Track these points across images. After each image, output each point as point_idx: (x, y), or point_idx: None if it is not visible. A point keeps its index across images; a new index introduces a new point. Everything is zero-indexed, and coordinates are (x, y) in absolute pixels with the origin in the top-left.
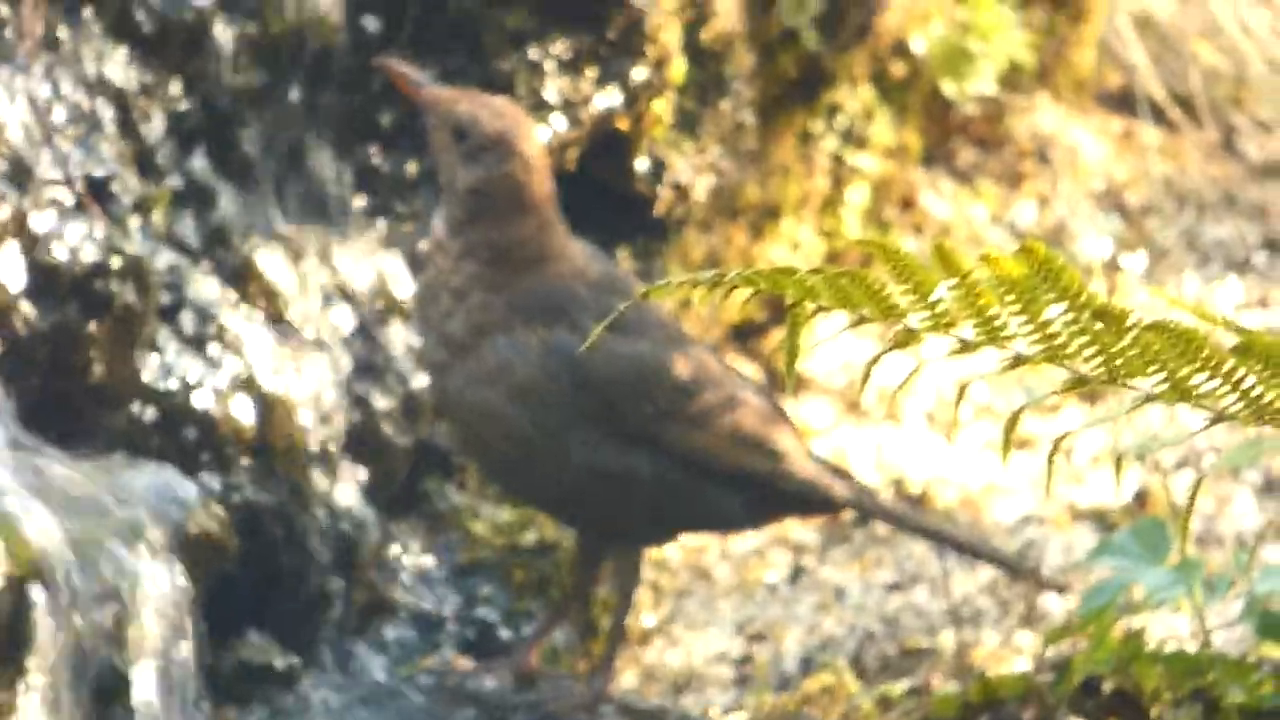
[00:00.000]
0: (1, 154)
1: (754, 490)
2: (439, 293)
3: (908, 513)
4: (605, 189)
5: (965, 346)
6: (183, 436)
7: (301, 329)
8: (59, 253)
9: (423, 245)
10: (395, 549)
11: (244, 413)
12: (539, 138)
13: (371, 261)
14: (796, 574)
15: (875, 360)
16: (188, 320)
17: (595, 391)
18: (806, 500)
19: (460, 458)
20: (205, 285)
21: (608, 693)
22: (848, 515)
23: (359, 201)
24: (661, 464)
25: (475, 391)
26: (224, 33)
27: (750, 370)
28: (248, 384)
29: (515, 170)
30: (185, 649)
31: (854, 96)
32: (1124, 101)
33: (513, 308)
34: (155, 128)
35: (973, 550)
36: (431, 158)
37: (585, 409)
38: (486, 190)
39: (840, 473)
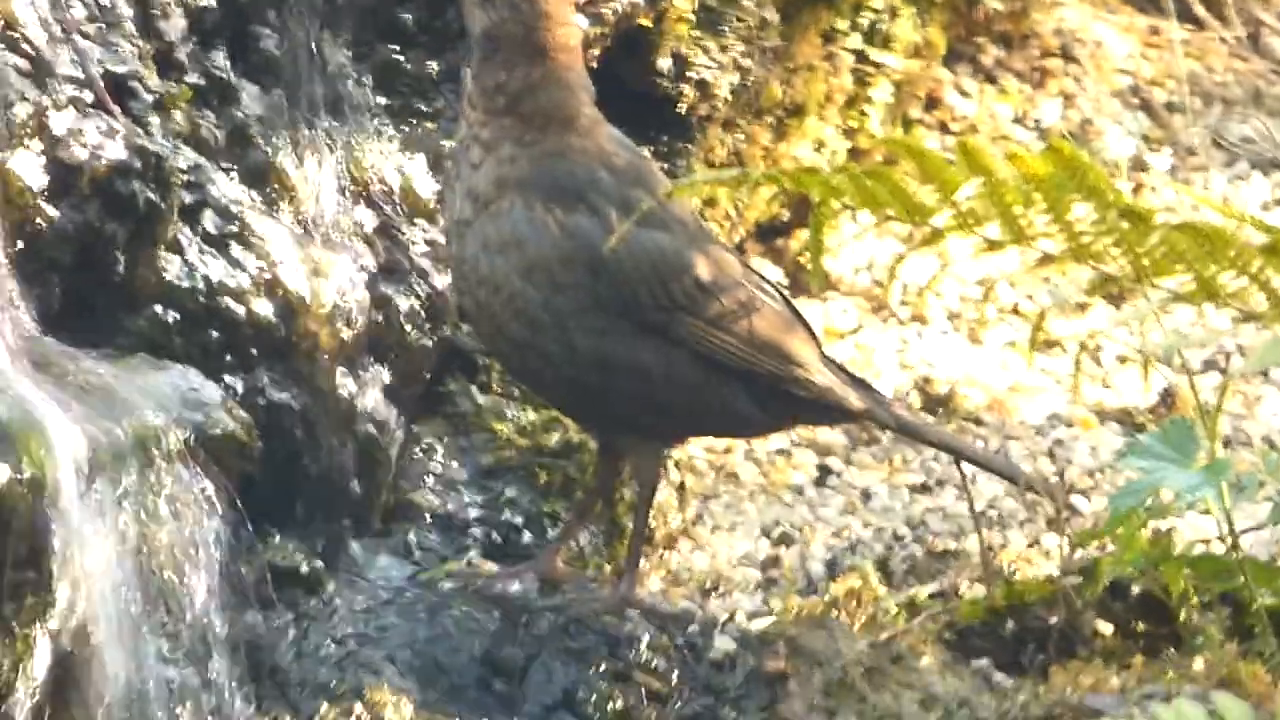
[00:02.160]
0: (21, 52)
1: (768, 394)
2: (470, 145)
3: (922, 424)
4: (628, 87)
5: (991, 245)
6: (205, 338)
7: (324, 229)
8: (79, 152)
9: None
10: (419, 451)
11: (266, 314)
12: None
13: (394, 161)
14: (823, 476)
15: (900, 259)
16: (209, 220)
17: (610, 278)
18: (822, 408)
19: (475, 340)
20: (227, 185)
21: (633, 596)
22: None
23: (380, 100)
24: (672, 358)
25: (488, 260)
26: None
27: (774, 270)
28: (270, 285)
29: (525, 13)
30: (210, 552)
31: None
32: None
33: (537, 173)
34: (175, 24)
35: (986, 464)
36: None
37: (598, 295)
38: (496, 33)
39: (858, 381)
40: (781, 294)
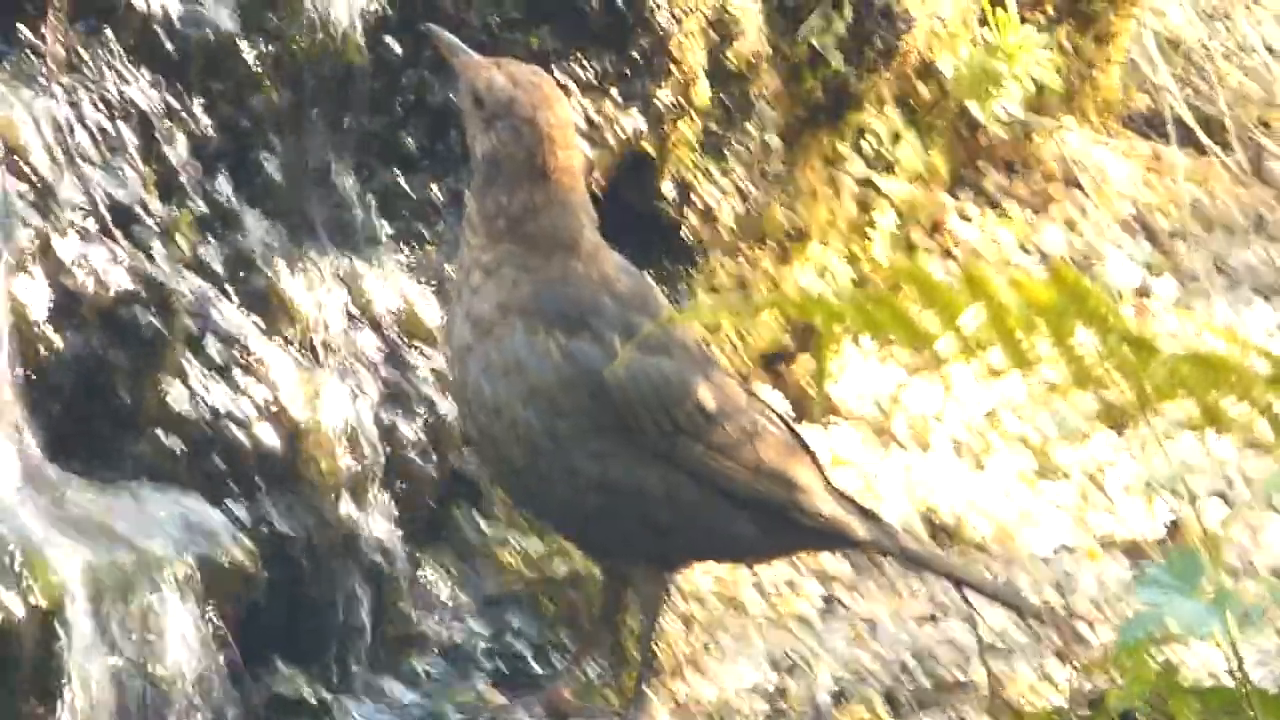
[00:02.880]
0: (24, 178)
1: (771, 520)
2: (471, 269)
3: (929, 554)
4: (632, 212)
5: (994, 372)
6: (209, 465)
7: (328, 356)
8: (83, 278)
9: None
10: (425, 579)
11: (270, 441)
12: (564, 110)
13: (397, 287)
14: (829, 606)
15: (903, 386)
16: (213, 347)
17: (612, 403)
18: (826, 535)
19: (480, 467)
20: (230, 311)
21: None
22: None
23: (384, 226)
24: (675, 482)
25: (490, 385)
26: (246, 54)
27: (777, 396)
28: (274, 412)
29: (526, 136)
30: (216, 681)
31: (881, 119)
32: (1151, 124)
33: (539, 298)
34: (179, 150)
35: (993, 593)
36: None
37: (599, 420)
38: (499, 156)
39: (863, 510)
40: (785, 421)
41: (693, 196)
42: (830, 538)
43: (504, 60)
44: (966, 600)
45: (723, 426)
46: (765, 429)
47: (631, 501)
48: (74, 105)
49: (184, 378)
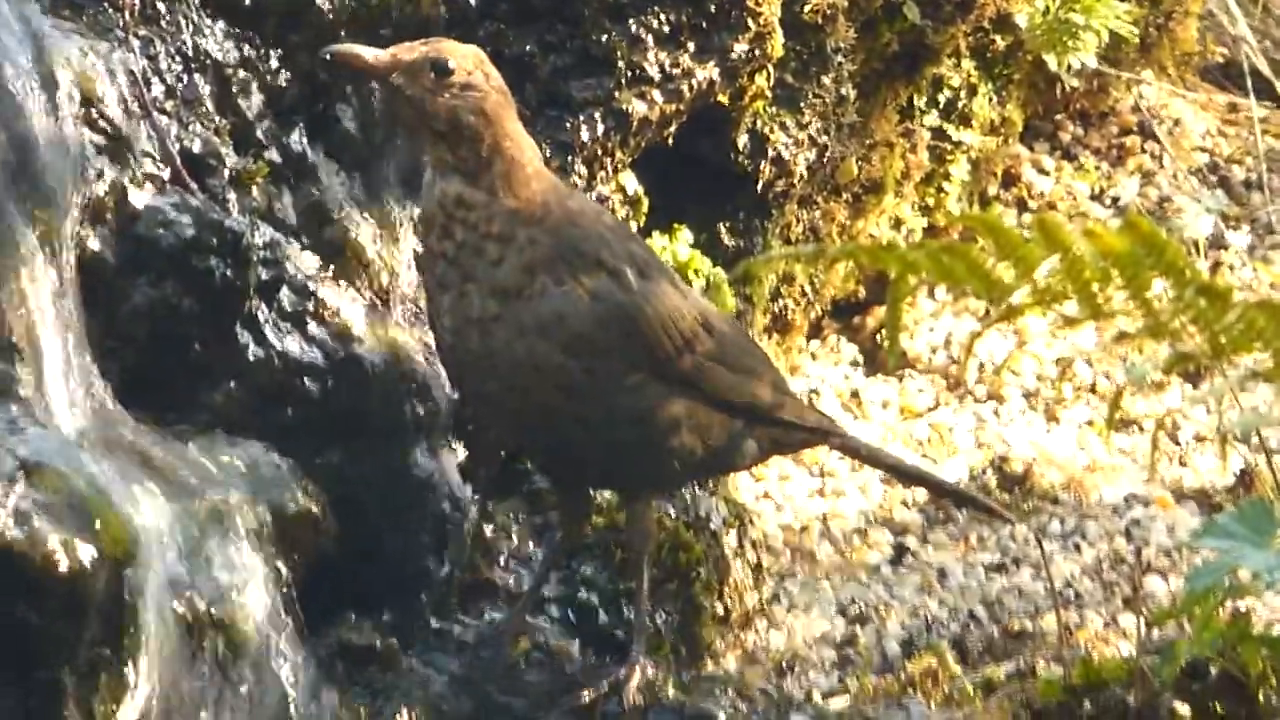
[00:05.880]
0: (100, 129)
1: (768, 428)
2: (483, 245)
3: (879, 450)
4: (705, 164)
5: (1068, 322)
6: (281, 414)
7: (400, 306)
8: (157, 228)
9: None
10: (495, 529)
11: (342, 390)
12: (488, 61)
13: None
14: (899, 555)
15: (977, 337)
16: (285, 297)
17: (641, 333)
18: (809, 436)
19: (482, 416)
20: (303, 261)
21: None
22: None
23: None
24: (694, 402)
25: (526, 343)
26: (323, 6)
27: (850, 347)
28: (346, 361)
29: (479, 88)
30: (286, 629)
31: (956, 71)
32: (1228, 75)
33: (557, 249)
34: (254, 102)
35: (950, 490)
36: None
37: (631, 354)
38: (461, 117)
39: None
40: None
41: (767, 148)
42: (812, 438)
43: (406, 43)
44: (1042, 549)
45: (722, 338)
46: (746, 335)
47: (661, 428)
48: (150, 57)
49: (256, 327)
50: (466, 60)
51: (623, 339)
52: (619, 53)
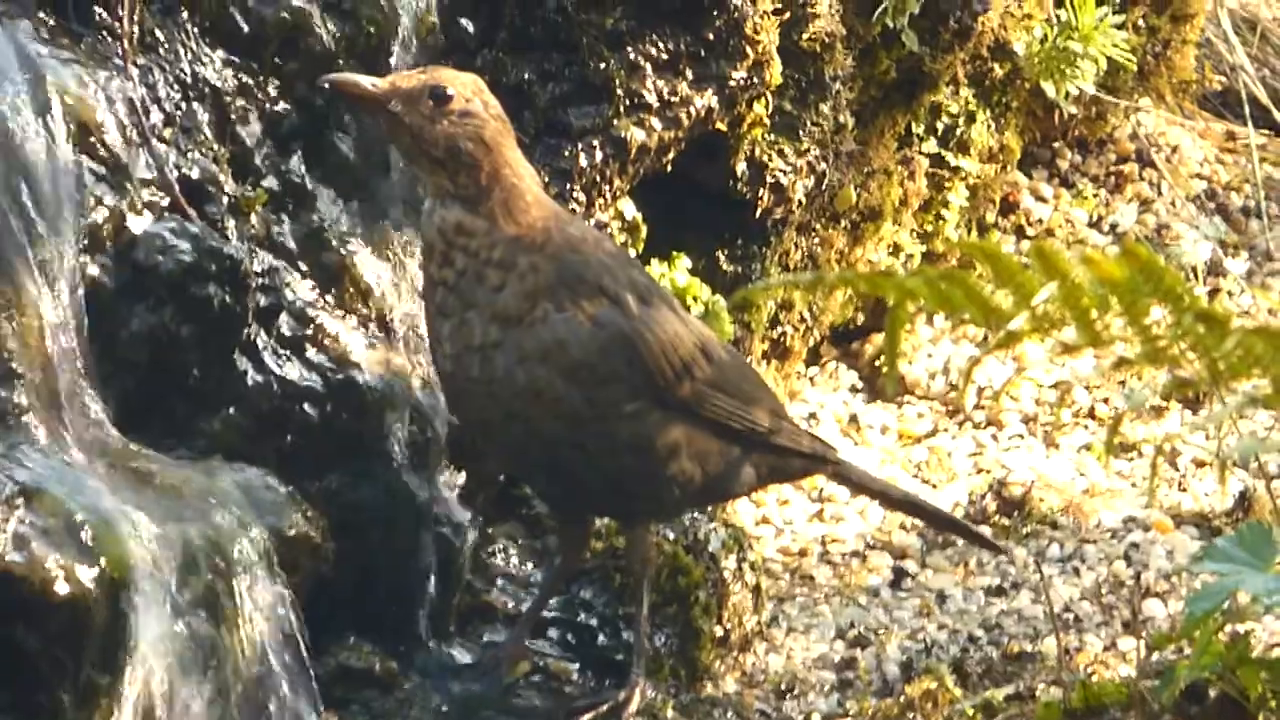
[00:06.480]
0: (99, 157)
1: (764, 454)
2: (484, 272)
3: (878, 479)
4: (703, 191)
5: (1067, 349)
6: (280, 439)
7: (399, 331)
8: (156, 255)
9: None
10: (493, 552)
11: (341, 415)
12: (486, 88)
13: None
14: (898, 578)
15: (975, 363)
16: (284, 323)
17: (642, 360)
18: (807, 463)
19: (482, 443)
20: (302, 288)
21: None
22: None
23: None
24: (695, 431)
25: (527, 370)
26: (320, 33)
27: (849, 374)
28: (344, 387)
29: (478, 115)
30: (286, 653)
31: (954, 98)
32: (1226, 103)
33: (559, 275)
34: (252, 129)
35: (946, 521)
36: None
37: (632, 381)
38: (474, 140)
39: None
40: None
41: (765, 175)
42: (810, 465)
43: (404, 72)
44: (1041, 573)
45: (720, 364)
46: (744, 362)
47: (661, 456)
48: (149, 85)
49: (255, 353)
50: (465, 88)
51: (624, 366)
52: (617, 80)
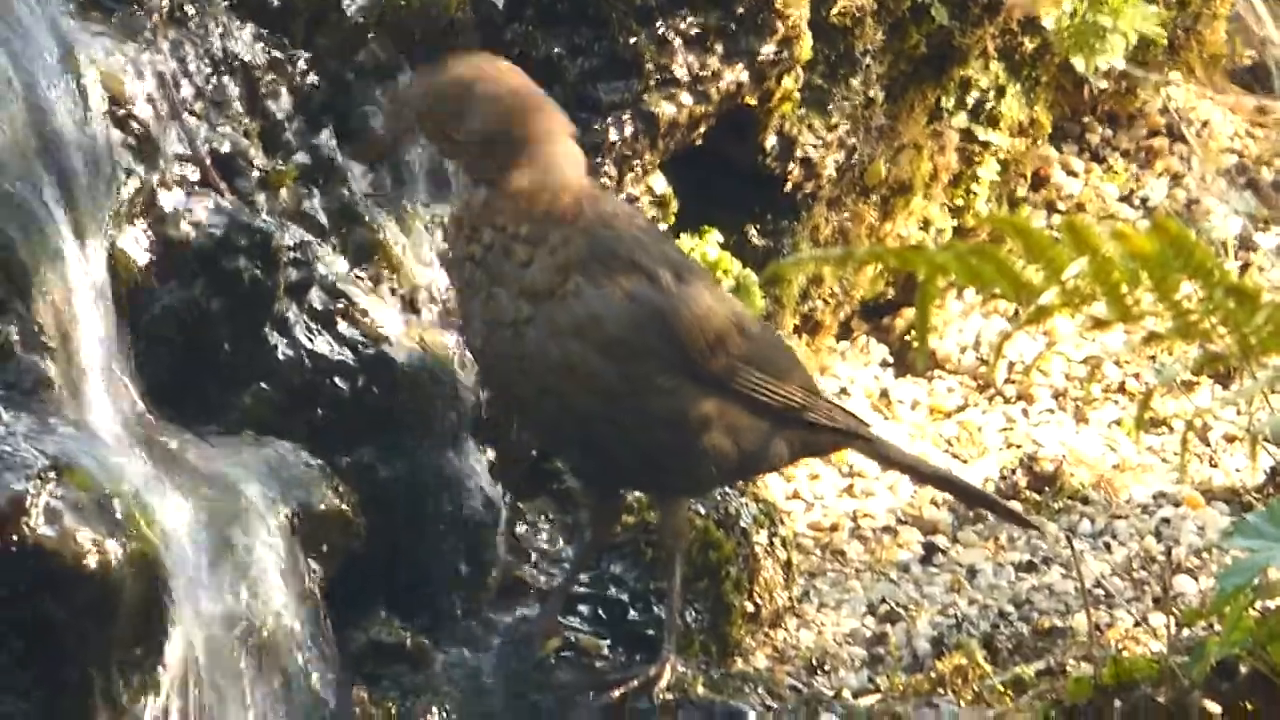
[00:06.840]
0: (129, 130)
1: (797, 429)
2: (511, 247)
3: (910, 455)
4: (733, 166)
5: (1097, 324)
6: (311, 414)
7: (429, 306)
8: (186, 229)
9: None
10: (524, 527)
11: (372, 390)
12: (517, 72)
13: None
14: (929, 554)
15: (1006, 338)
16: (315, 297)
17: (678, 336)
18: (838, 438)
19: (514, 418)
20: (333, 262)
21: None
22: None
23: None
24: (728, 406)
25: (560, 345)
26: (350, 8)
27: (880, 348)
28: (376, 361)
29: (506, 99)
30: (315, 628)
31: (984, 72)
32: (1256, 77)
33: (592, 250)
34: (282, 104)
35: (977, 495)
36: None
37: (667, 357)
38: (508, 125)
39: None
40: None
41: (795, 150)
42: (841, 440)
43: (426, 66)
44: (1073, 548)
45: (754, 339)
46: (778, 336)
47: (695, 430)
48: (179, 59)
49: (286, 328)
50: (498, 75)
51: (659, 340)
52: (647, 55)
